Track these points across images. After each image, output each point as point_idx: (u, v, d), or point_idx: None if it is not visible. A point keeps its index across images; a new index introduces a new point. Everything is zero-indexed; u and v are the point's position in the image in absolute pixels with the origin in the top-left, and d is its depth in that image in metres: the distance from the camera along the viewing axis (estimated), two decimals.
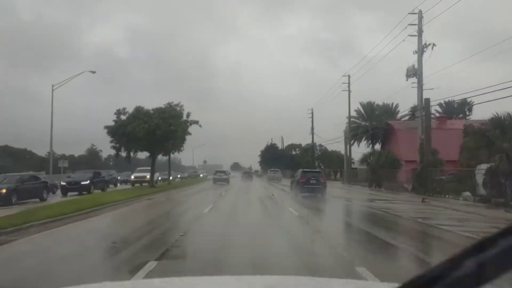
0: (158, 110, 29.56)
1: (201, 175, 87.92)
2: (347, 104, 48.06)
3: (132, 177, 34.43)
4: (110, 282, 1.62)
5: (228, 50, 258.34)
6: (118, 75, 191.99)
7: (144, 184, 33.53)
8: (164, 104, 30.14)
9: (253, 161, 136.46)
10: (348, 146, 48.71)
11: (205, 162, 71.45)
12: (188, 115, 31.27)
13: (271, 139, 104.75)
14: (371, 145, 53.36)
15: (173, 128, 28.60)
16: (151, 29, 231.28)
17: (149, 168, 33.66)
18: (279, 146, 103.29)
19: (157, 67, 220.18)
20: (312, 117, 73.80)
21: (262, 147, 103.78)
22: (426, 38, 27.67)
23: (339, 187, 41.72)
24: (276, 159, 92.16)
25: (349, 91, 47.37)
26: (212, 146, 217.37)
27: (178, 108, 30.67)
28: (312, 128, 73.32)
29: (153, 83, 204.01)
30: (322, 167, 73.10)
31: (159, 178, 42.97)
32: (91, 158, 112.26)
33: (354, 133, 50.39)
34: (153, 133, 27.93)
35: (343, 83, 47.94)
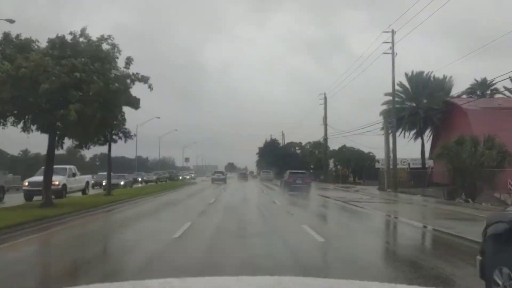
0: (54, 42, 13.89)
1: (187, 177, 71.48)
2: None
3: (26, 183, 18.44)
4: (109, 283, 1.52)
5: (218, 48, 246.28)
6: None
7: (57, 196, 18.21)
8: (72, 31, 14.48)
9: (249, 161, 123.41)
10: (390, 134, 33.22)
11: (187, 159, 55.77)
12: (128, 62, 15.79)
13: (270, 135, 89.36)
14: (415, 135, 37.89)
15: (85, 78, 13.06)
16: (138, 27, 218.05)
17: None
18: (280, 143, 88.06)
19: (144, 66, 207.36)
20: (325, 103, 58.41)
21: (258, 146, 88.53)
22: None
23: (388, 198, 26.12)
24: (277, 157, 77.03)
25: (393, 53, 32.03)
26: (206, 146, 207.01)
27: (107, 47, 15.08)
28: (325, 118, 57.89)
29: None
30: (339, 166, 57.69)
31: (103, 183, 27.34)
32: (71, 157, 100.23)
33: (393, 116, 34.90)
34: (33, 84, 12.35)
35: (383, 42, 32.57)
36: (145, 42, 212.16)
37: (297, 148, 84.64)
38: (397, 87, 36.56)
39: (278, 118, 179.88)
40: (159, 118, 61.54)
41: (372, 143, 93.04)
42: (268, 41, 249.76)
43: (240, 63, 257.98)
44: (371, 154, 55.60)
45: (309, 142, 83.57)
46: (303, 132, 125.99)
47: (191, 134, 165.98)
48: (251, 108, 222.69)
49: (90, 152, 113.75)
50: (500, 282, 3.98)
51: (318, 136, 71.80)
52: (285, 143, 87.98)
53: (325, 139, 57.50)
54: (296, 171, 31.59)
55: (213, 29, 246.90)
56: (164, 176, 51.44)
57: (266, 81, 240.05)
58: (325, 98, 57.92)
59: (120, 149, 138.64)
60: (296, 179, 28.91)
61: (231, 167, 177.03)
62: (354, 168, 54.82)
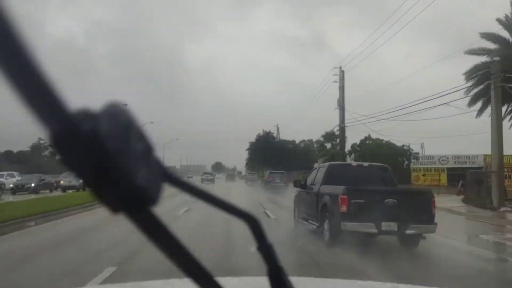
0: None
1: None
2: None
3: None
4: (111, 284, 1.61)
5: (201, 45, 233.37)
6: (83, 69, 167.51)
7: None
8: None
9: (238, 160, 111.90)
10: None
11: None
12: None
13: (263, 129, 73.56)
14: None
15: None
16: (116, 22, 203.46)
17: None
18: (275, 137, 72.77)
19: (126, 63, 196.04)
20: (342, 79, 43.01)
21: (248, 141, 72.62)
22: None
23: None
24: (272, 154, 61.96)
25: None
26: (193, 145, 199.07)
27: None
28: (342, 99, 42.35)
29: (122, 79, 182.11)
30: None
31: None
32: (36, 155, 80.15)
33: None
34: None
35: None
36: (124, 38, 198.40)
37: (290, 146, 70.82)
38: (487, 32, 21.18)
39: (267, 115, 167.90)
40: (126, 105, 48.78)
41: (402, 133, 76.45)
42: (252, 38, 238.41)
43: (224, 60, 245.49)
44: (406, 147, 40.57)
45: (304, 140, 69.87)
46: (295, 129, 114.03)
47: (177, 133, 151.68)
48: (239, 106, 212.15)
49: None
50: (296, 213, 10.61)
51: (313, 134, 60.01)
52: (280, 138, 72.93)
53: (342, 127, 41.98)
54: (275, 171, 35.25)
55: (196, 25, 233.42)
56: (68, 184, 26.68)
57: (253, 79, 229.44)
58: (342, 72, 42.54)
59: None
60: (275, 178, 32.44)
61: (218, 167, 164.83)
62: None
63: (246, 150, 74.14)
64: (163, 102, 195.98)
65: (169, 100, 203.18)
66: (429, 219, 7.81)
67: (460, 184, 30.72)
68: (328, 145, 46.44)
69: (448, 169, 45.40)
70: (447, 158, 46.26)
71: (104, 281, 5.04)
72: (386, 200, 7.59)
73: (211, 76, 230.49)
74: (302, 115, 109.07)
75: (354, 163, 10.89)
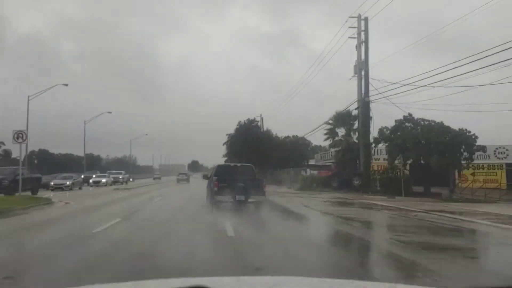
0: None
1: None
2: None
3: None
4: (109, 283, 1.61)
5: (175, 43, 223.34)
6: (49, 65, 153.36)
7: None
8: None
9: (218, 159, 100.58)
10: None
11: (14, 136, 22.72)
12: None
13: (241, 120, 58.52)
14: None
15: None
16: (86, 18, 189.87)
17: None
18: (259, 127, 58.48)
19: (94, 59, 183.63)
20: (366, 31, 28.89)
21: (226, 133, 57.55)
22: None
23: None
24: (258, 146, 48.01)
25: None
26: (170, 145, 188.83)
27: None
28: (366, 60, 28.28)
29: (89, 75, 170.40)
30: (399, 160, 28.18)
31: None
32: None
33: None
34: None
35: None
36: (92, 33, 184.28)
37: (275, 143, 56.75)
38: None
39: (246, 114, 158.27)
40: (67, 85, 39.34)
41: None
42: (226, 33, 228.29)
43: (199, 56, 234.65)
44: (468, 132, 26.12)
45: (288, 136, 59.40)
46: (277, 126, 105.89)
47: (151, 131, 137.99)
48: (216, 104, 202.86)
49: (24, 148, 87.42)
50: (206, 194, 18.02)
51: (298, 130, 47.42)
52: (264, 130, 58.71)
53: (366, 102, 27.70)
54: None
55: (169, 22, 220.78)
56: None
57: (230, 76, 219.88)
58: (365, 21, 28.30)
59: (67, 146, 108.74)
60: None
61: (195, 166, 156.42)
62: (432, 162, 25.27)
63: (223, 144, 59.38)
64: (142, 102, 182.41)
65: (141, 97, 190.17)
66: (262, 193, 15.28)
67: None
68: (341, 132, 31.89)
69: (507, 164, 32.15)
70: (507, 150, 32.71)
71: None
72: (238, 184, 14.79)
73: (186, 73, 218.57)
74: (283, 111, 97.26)
75: (232, 164, 19.01)
